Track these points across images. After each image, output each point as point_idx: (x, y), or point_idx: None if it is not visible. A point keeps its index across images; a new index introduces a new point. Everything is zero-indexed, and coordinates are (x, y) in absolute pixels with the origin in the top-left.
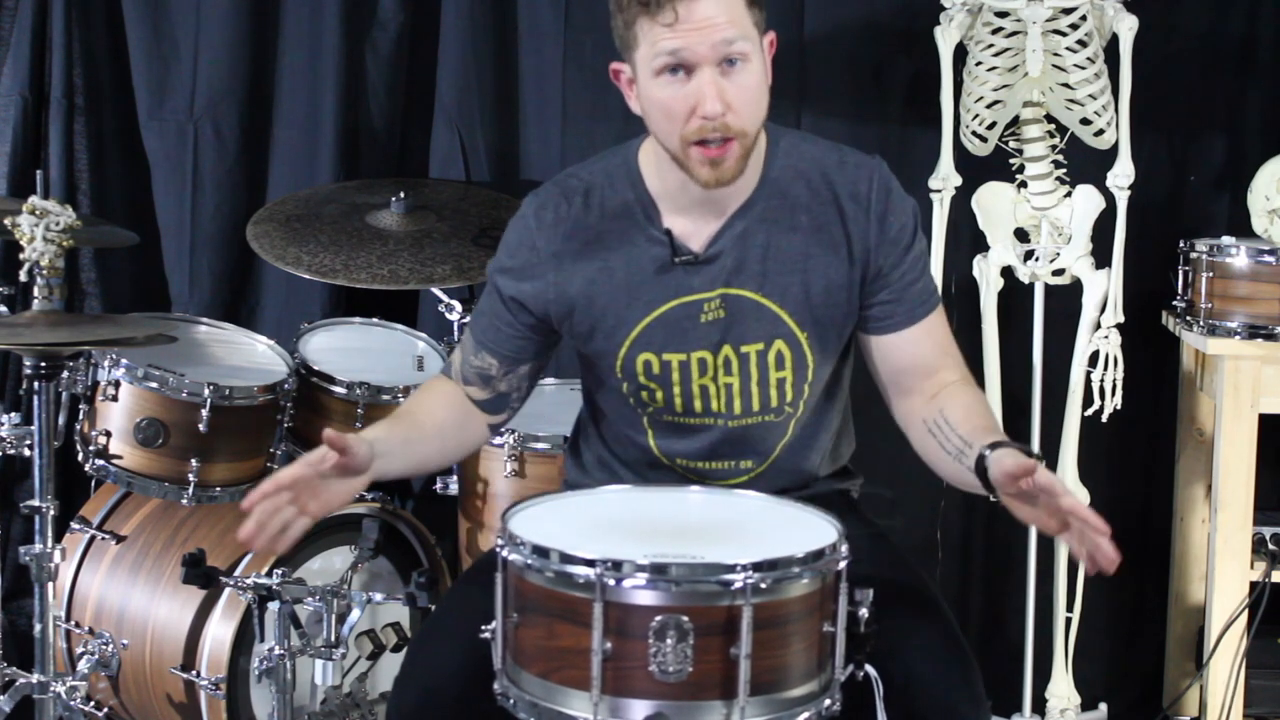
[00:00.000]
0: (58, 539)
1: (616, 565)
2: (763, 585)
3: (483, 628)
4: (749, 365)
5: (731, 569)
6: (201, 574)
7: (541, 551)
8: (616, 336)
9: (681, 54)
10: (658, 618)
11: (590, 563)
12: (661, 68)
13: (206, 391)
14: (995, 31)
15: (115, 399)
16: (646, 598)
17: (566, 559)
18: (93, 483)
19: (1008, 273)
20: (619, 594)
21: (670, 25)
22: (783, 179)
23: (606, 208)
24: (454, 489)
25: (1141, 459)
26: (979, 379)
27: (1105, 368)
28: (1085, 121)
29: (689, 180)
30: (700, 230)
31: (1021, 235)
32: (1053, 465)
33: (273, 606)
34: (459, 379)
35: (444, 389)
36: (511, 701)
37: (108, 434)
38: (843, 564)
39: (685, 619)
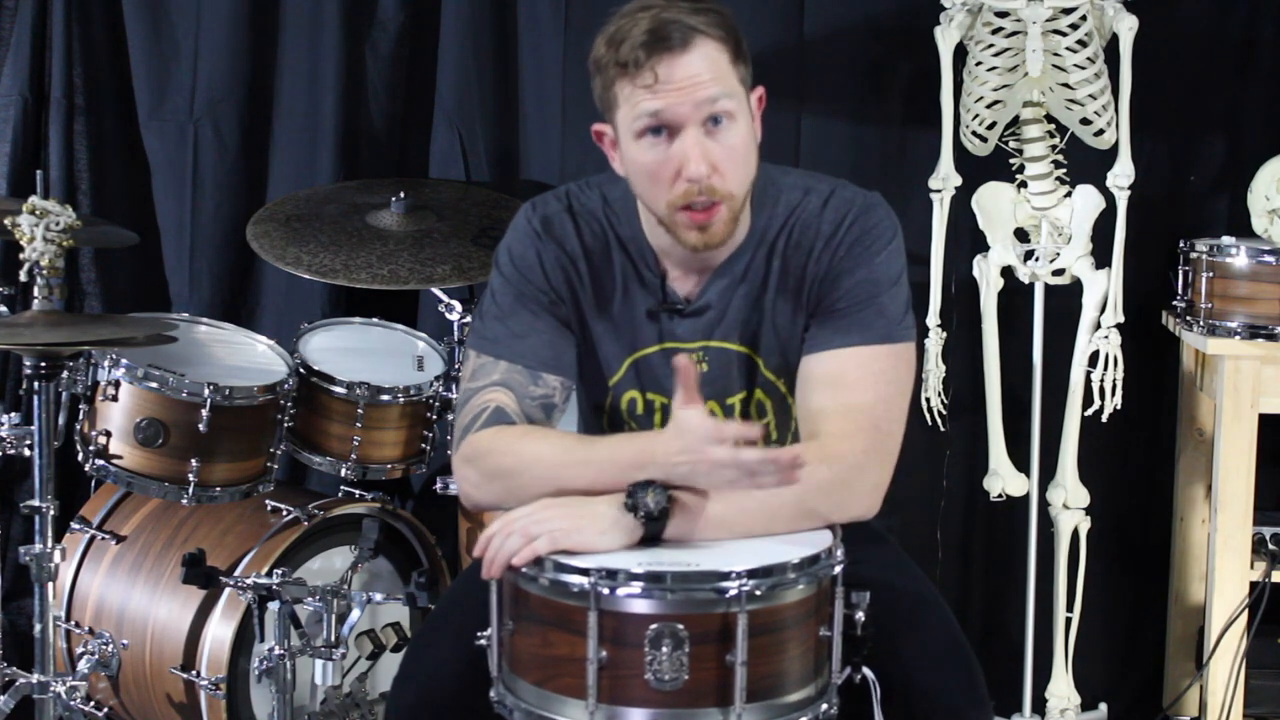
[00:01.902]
0: (58, 539)
1: (611, 574)
2: (757, 592)
3: (478, 635)
4: (733, 416)
5: (726, 576)
6: (201, 574)
7: (536, 560)
8: (608, 368)
9: (663, 115)
10: (653, 626)
11: (585, 571)
12: (643, 129)
13: (206, 391)
14: (995, 31)
15: (115, 399)
16: (641, 606)
17: (561, 568)
18: (93, 483)
19: (1008, 273)
20: (614, 602)
21: (650, 87)
22: (769, 230)
23: (609, 238)
24: (454, 489)
25: (1141, 459)
26: (979, 379)
27: (1105, 368)
28: (1085, 121)
29: (676, 241)
30: (687, 281)
31: (1021, 235)
32: (1052, 465)
33: (273, 606)
34: (522, 421)
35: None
36: (508, 710)
37: (108, 434)
38: (838, 569)
39: (680, 627)
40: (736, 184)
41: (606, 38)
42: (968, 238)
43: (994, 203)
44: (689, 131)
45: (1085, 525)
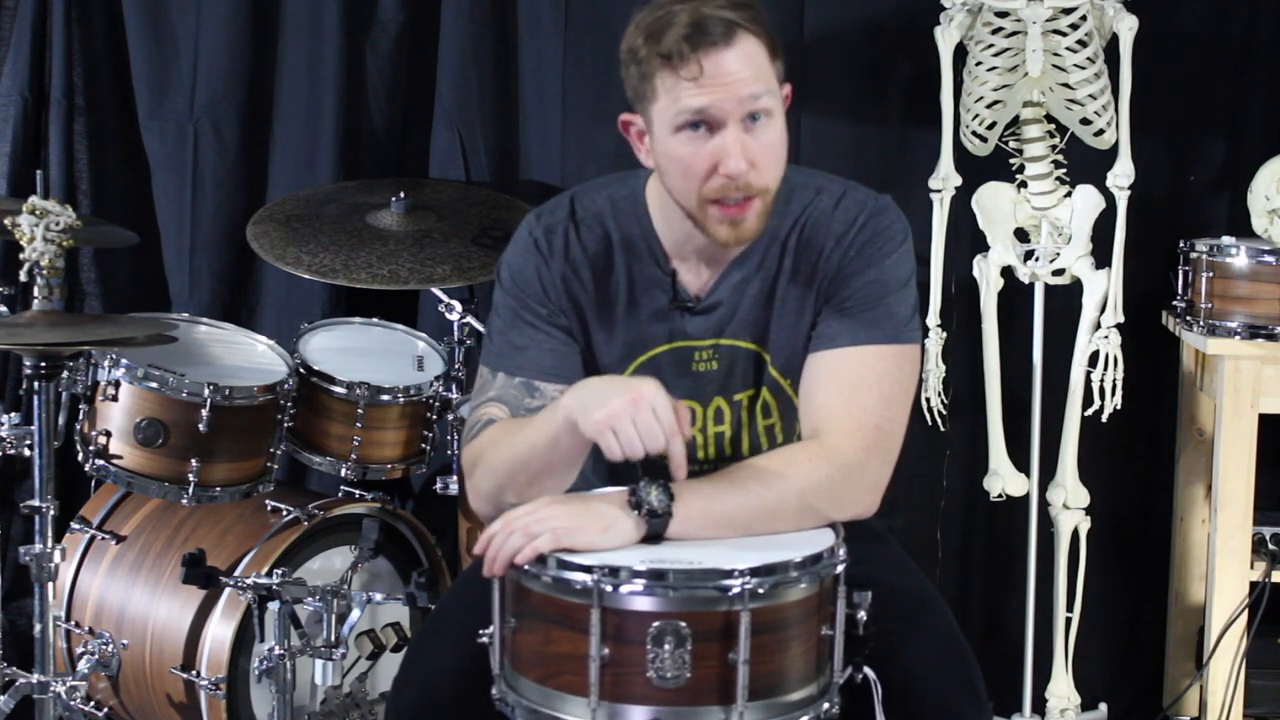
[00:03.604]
0: (58, 539)
1: (614, 571)
2: (760, 590)
3: (480, 632)
4: (740, 412)
5: (729, 574)
6: (201, 574)
7: (539, 557)
8: (612, 374)
9: (707, 112)
10: (655, 624)
11: (587, 569)
12: (683, 124)
13: (206, 391)
14: (995, 31)
15: (115, 399)
16: (644, 604)
17: (564, 565)
18: (93, 483)
19: (1008, 273)
20: (616, 600)
21: (694, 80)
22: (781, 227)
23: (613, 241)
24: (454, 489)
25: (1141, 459)
26: (979, 379)
27: (1105, 368)
28: (1085, 121)
29: (695, 232)
30: (699, 277)
31: (1021, 235)
32: (1052, 465)
33: (273, 606)
34: None
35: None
36: (510, 707)
37: (108, 434)
38: (840, 568)
39: (683, 625)
40: (772, 179)
41: (643, 29)
42: (968, 238)
43: (994, 203)
44: (729, 128)
45: (1085, 525)
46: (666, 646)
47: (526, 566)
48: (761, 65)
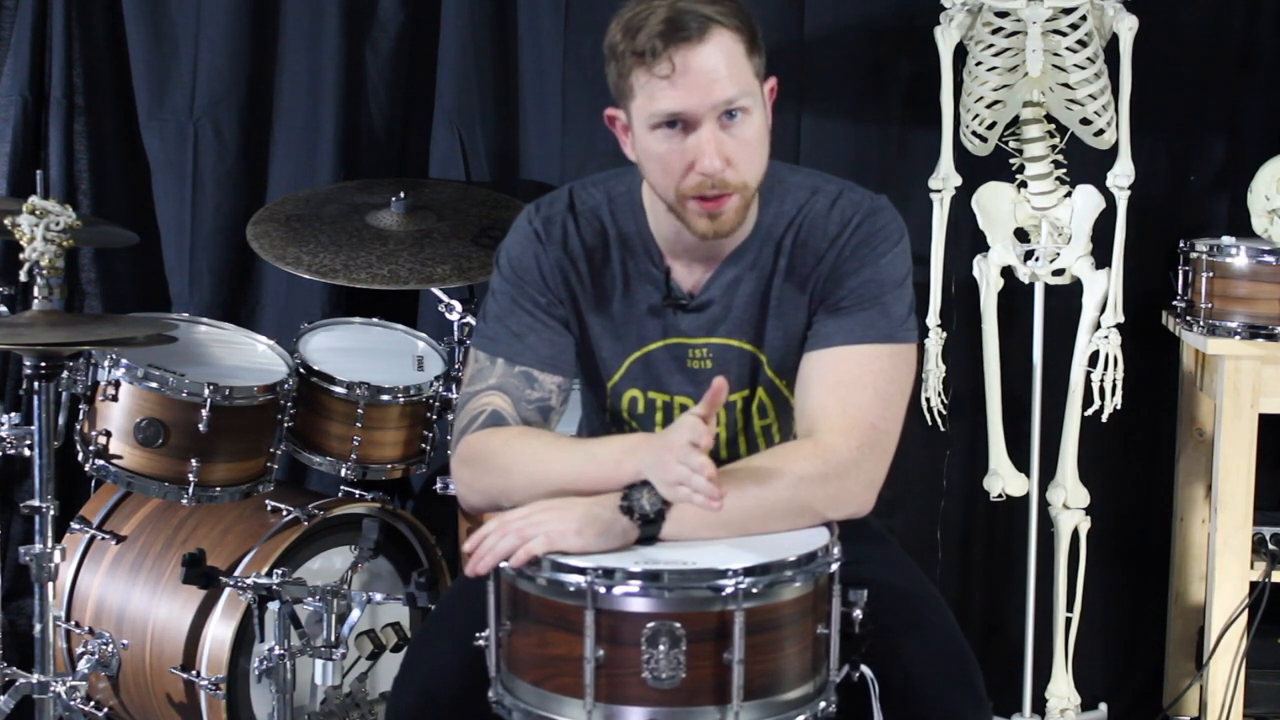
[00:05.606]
0: (58, 539)
1: (608, 573)
2: (754, 590)
3: (476, 635)
4: (734, 414)
5: (723, 574)
6: (201, 574)
7: (534, 559)
8: (606, 369)
9: (681, 114)
10: (650, 624)
11: (582, 570)
12: (659, 123)
13: (206, 391)
14: (995, 31)
15: (115, 399)
16: (638, 605)
17: (558, 567)
18: (93, 483)
19: (1008, 273)
20: (611, 601)
21: (667, 77)
22: (776, 226)
23: (610, 236)
24: (454, 489)
25: (1141, 459)
26: (979, 379)
27: (1105, 368)
28: (1085, 121)
29: (684, 228)
30: (692, 275)
31: (1021, 235)
32: (1052, 465)
33: (273, 606)
34: (517, 424)
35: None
36: (507, 710)
37: (108, 434)
38: (835, 566)
39: (678, 625)
40: (749, 175)
41: (622, 25)
42: (968, 238)
43: (994, 203)
44: (705, 126)
45: (1085, 525)
46: (661, 647)
47: (522, 569)
48: (738, 62)
